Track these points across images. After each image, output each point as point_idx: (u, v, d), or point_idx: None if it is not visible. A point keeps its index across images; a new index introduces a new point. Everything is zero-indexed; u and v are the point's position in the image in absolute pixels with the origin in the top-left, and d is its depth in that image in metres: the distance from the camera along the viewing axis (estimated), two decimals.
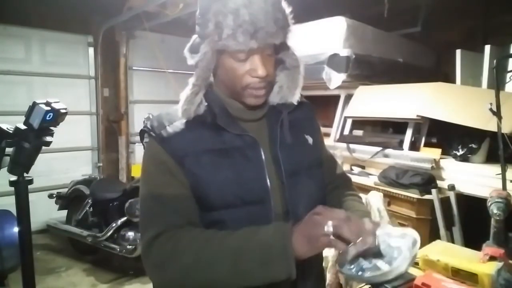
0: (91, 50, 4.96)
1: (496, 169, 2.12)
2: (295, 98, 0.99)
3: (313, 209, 0.97)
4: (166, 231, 0.84)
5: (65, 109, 1.62)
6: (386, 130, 3.66)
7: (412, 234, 0.82)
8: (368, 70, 3.43)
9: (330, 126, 3.63)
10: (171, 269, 0.81)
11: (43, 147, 1.63)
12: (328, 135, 3.59)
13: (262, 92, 0.91)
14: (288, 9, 0.89)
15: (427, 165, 2.65)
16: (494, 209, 1.55)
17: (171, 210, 0.87)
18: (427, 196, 2.55)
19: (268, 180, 0.90)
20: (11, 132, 1.56)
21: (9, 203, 2.04)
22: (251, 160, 0.91)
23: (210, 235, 0.83)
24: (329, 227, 0.73)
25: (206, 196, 0.88)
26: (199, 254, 0.79)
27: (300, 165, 0.98)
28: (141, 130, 0.97)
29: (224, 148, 0.90)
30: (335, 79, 3.29)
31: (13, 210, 1.77)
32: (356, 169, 3.19)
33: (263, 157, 0.91)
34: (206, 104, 0.93)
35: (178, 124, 0.91)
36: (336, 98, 3.74)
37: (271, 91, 0.97)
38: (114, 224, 3.36)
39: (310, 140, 1.04)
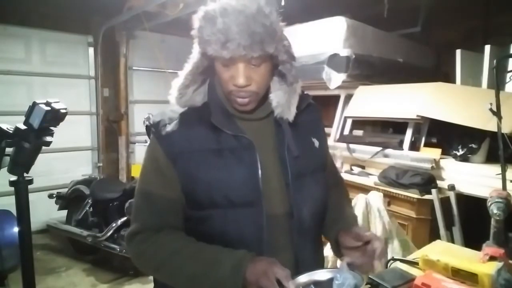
0: (91, 50, 4.96)
1: (496, 169, 2.12)
2: (291, 116, 0.97)
3: (316, 211, 1.01)
4: (144, 231, 0.93)
5: (65, 109, 1.63)
6: (386, 130, 3.66)
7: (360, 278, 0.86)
8: (368, 70, 3.42)
9: (330, 126, 3.62)
10: (142, 266, 0.95)
11: (43, 147, 1.63)
12: (328, 135, 3.58)
13: (245, 101, 0.90)
14: (278, 24, 0.85)
15: (427, 165, 2.65)
16: (494, 209, 1.56)
17: (154, 209, 0.93)
18: (427, 196, 2.55)
19: (260, 184, 0.90)
20: (11, 132, 1.56)
21: (9, 203, 2.04)
22: (244, 162, 0.91)
23: (177, 248, 0.89)
24: None
25: (195, 195, 0.90)
26: (162, 265, 0.89)
27: (306, 167, 0.98)
28: (146, 126, 1.00)
29: (218, 148, 0.91)
30: (335, 79, 3.29)
31: (13, 210, 1.78)
32: (356, 169, 3.19)
33: (258, 159, 0.91)
34: (206, 99, 0.95)
35: (177, 123, 0.93)
36: (336, 98, 3.73)
37: (259, 99, 0.93)
38: (114, 224, 3.35)
39: (316, 143, 1.04)
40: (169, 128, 0.92)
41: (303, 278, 0.86)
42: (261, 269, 0.78)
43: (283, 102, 0.96)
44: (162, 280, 0.95)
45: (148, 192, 0.93)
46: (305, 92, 1.04)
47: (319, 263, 1.07)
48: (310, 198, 0.98)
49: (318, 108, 1.11)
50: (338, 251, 0.99)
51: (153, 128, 0.95)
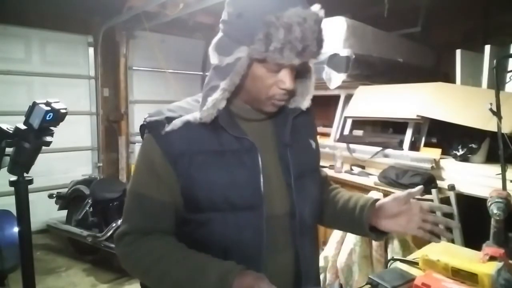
0: (91, 50, 4.96)
1: (496, 169, 2.12)
2: (304, 105, 1.00)
3: (315, 211, 1.02)
4: (133, 232, 0.91)
5: (65, 109, 1.63)
6: (386, 130, 3.65)
7: None
8: (368, 70, 3.42)
9: (330, 126, 3.62)
10: (129, 268, 0.94)
11: (43, 147, 1.63)
12: (328, 135, 3.59)
13: (283, 103, 0.93)
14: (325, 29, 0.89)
15: (427, 165, 2.65)
16: (494, 209, 1.56)
17: (144, 212, 0.91)
18: (427, 196, 2.54)
19: (262, 187, 0.89)
20: (11, 132, 1.56)
21: (9, 203, 2.04)
22: (245, 165, 0.89)
23: (164, 253, 0.87)
24: None
25: (195, 197, 0.88)
26: (149, 269, 0.88)
27: (306, 168, 0.99)
28: (141, 126, 0.97)
29: (220, 150, 0.89)
30: (335, 79, 3.29)
31: (13, 210, 1.78)
32: (356, 169, 3.19)
33: (260, 162, 0.90)
34: None
35: (178, 123, 0.89)
36: (336, 98, 3.73)
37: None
38: (114, 224, 3.35)
39: (313, 144, 1.06)
40: (168, 128, 0.89)
41: None
42: (248, 284, 0.77)
43: (301, 90, 0.99)
44: (148, 284, 0.94)
45: (140, 194, 0.91)
46: None
47: (317, 262, 1.10)
48: (310, 197, 0.99)
49: (312, 110, 1.12)
50: (378, 232, 1.02)
51: (150, 128, 0.91)
